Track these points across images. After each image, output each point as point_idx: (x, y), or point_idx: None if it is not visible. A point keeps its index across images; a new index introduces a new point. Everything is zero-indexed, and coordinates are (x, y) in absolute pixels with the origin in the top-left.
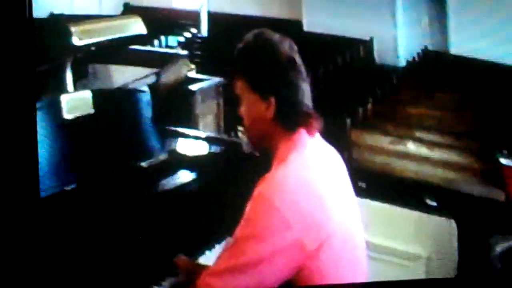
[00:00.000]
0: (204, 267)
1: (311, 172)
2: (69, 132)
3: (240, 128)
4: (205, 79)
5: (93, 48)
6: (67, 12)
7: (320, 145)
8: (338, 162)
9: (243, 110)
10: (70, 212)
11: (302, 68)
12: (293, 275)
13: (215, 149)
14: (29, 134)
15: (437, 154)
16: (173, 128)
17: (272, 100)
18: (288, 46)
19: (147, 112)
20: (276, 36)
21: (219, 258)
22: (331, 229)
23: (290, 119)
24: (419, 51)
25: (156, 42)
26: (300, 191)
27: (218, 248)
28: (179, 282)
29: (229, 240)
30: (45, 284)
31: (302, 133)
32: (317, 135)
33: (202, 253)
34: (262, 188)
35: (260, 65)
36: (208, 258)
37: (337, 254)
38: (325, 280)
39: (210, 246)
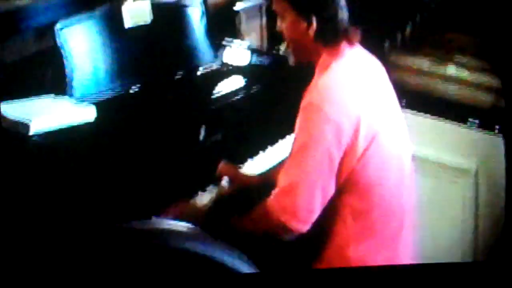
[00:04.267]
0: (246, 176)
1: (354, 76)
2: (129, 39)
3: (281, 46)
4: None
5: None
6: None
7: (360, 53)
8: (379, 68)
9: (283, 27)
10: (133, 111)
11: None
12: (344, 182)
13: (263, 60)
14: None
15: (478, 77)
16: (224, 41)
17: (314, 19)
18: None
19: (200, 23)
20: None
21: (282, 174)
22: (378, 128)
23: (331, 37)
24: None
25: None
26: (345, 94)
27: (262, 155)
28: (225, 192)
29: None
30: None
31: (343, 44)
32: (357, 45)
33: (249, 158)
34: (309, 97)
35: None
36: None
37: (384, 157)
38: (373, 186)
39: (255, 154)
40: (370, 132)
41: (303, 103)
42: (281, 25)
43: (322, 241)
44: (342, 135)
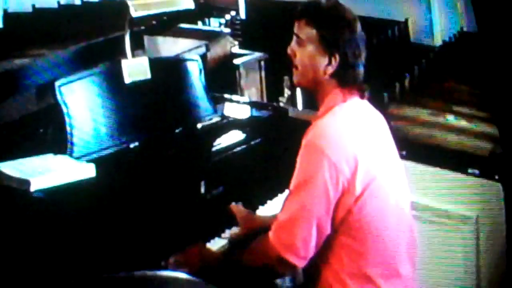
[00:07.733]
0: (259, 217)
1: (354, 123)
2: (129, 94)
3: (281, 98)
4: (248, 54)
5: (148, 21)
6: None
7: (363, 102)
8: (380, 119)
9: (301, 53)
10: (134, 167)
11: (363, 34)
12: (340, 222)
13: (263, 113)
14: None
15: (477, 126)
16: (224, 95)
17: (337, 57)
18: (352, 12)
19: (199, 79)
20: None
21: (282, 209)
22: (376, 173)
23: (347, 79)
24: (455, 32)
25: (200, 23)
26: (345, 138)
27: (270, 204)
28: (240, 235)
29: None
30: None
31: (353, 92)
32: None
33: (255, 208)
34: (309, 136)
35: (334, 21)
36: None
37: (381, 201)
38: (369, 230)
39: (263, 202)
40: (368, 176)
41: (305, 140)
42: (296, 48)
43: (318, 280)
44: (339, 175)
